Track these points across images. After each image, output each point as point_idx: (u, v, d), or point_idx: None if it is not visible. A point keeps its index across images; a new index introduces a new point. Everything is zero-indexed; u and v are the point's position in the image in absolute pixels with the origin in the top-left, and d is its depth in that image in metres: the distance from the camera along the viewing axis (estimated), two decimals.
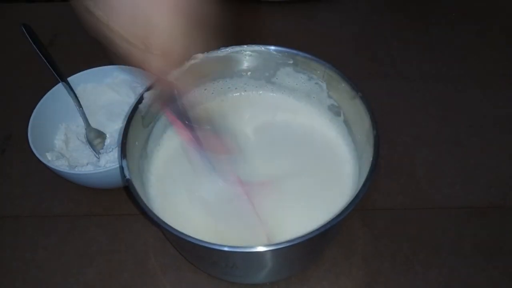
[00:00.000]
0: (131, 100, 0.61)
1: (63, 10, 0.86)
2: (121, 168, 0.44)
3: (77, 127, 0.61)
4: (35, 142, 0.53)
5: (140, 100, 0.48)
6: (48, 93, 0.59)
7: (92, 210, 0.56)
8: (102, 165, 0.55)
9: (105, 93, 0.63)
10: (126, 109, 0.60)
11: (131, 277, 0.51)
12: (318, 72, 0.51)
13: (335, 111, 0.53)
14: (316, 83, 0.53)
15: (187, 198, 0.49)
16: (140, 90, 0.61)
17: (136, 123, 0.48)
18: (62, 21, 0.82)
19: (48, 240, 0.54)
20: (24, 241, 0.54)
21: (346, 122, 0.52)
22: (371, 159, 0.42)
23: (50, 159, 0.55)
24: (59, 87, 0.60)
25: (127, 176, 0.43)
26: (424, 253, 0.51)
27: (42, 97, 0.58)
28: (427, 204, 0.55)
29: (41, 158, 0.52)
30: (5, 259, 0.53)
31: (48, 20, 0.82)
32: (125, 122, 0.47)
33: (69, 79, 0.60)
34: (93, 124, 0.61)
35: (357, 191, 0.40)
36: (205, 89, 0.56)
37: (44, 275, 0.51)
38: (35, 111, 0.56)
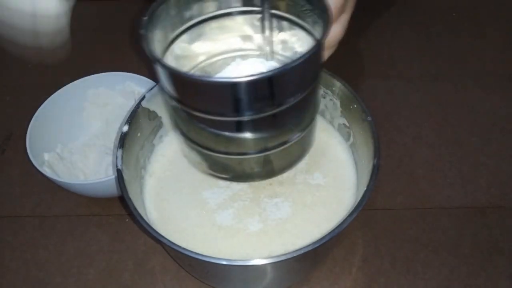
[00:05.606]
0: None
1: None
2: (115, 157, 0.43)
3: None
4: (32, 147, 0.53)
5: (148, 91, 0.48)
6: (52, 96, 0.58)
7: (92, 210, 0.56)
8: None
9: (115, 98, 0.62)
10: None
11: (131, 277, 0.51)
12: (333, 88, 0.50)
13: (345, 130, 0.52)
14: (331, 100, 0.51)
15: (184, 200, 0.49)
16: None
17: (142, 114, 0.48)
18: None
19: (48, 240, 0.54)
20: (24, 241, 0.54)
21: (354, 145, 0.50)
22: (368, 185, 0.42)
23: (47, 163, 0.54)
24: (62, 91, 0.59)
25: (118, 166, 0.42)
26: (424, 253, 0.51)
27: (42, 97, 0.57)
28: (427, 204, 0.55)
29: (36, 165, 0.51)
30: (5, 259, 0.53)
31: None
32: (128, 113, 0.47)
33: (82, 79, 0.59)
34: (96, 126, 0.60)
35: (356, 203, 0.40)
36: None
37: (44, 275, 0.51)
38: (37, 112, 0.56)
